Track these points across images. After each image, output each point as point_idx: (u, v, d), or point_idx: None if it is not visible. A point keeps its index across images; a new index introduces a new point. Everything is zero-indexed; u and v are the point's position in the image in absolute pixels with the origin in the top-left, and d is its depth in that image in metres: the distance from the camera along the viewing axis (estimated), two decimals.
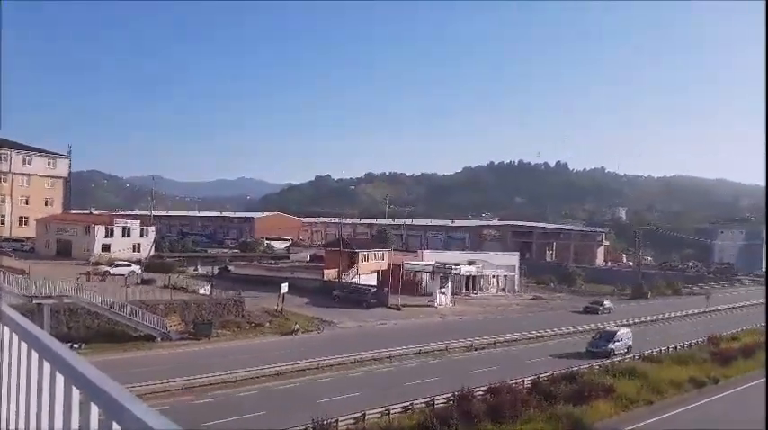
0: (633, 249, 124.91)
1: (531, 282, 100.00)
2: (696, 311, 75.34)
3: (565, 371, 37.63)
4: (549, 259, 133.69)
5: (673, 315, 71.89)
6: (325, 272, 76.10)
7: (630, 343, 50.16)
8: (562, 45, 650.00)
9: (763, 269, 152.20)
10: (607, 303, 76.52)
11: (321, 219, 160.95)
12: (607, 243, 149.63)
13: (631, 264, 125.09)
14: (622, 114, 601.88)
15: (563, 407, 31.28)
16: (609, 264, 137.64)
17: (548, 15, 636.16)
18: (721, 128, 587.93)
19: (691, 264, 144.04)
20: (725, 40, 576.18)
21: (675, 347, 50.35)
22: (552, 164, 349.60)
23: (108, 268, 64.03)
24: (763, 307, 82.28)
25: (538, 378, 36.57)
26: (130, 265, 65.95)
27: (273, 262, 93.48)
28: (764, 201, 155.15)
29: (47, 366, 2.21)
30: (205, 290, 58.12)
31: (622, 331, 51.35)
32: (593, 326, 60.29)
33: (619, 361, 44.90)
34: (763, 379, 44.23)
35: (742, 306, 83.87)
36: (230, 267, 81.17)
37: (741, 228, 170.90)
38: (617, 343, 48.76)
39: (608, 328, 53.40)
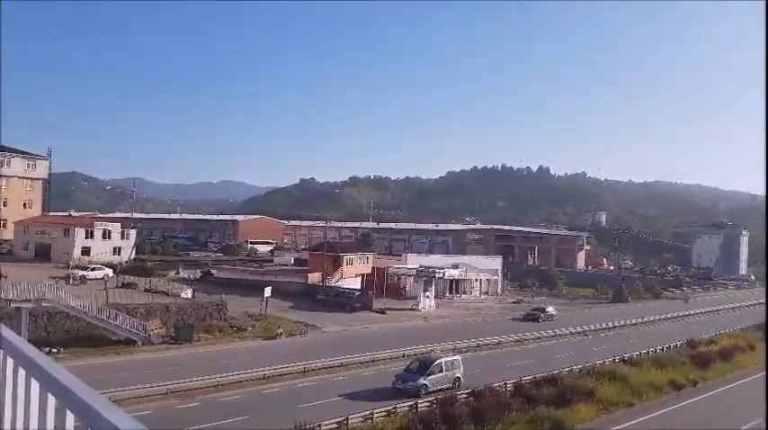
0: (614, 253, 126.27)
1: (513, 286, 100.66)
2: (673, 315, 75.94)
3: (546, 375, 37.87)
4: (531, 263, 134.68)
5: (646, 319, 71.87)
6: (309, 275, 75.91)
7: (459, 374, 37.74)
8: (550, 49, 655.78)
9: (741, 273, 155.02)
10: (550, 310, 71.75)
11: (305, 223, 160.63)
12: (588, 247, 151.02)
13: (612, 267, 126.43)
14: (605, 119, 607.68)
15: (545, 409, 31.49)
16: (590, 267, 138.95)
17: (537, 17, 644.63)
18: (704, 133, 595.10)
19: (670, 267, 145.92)
20: (715, 41, 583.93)
21: (650, 352, 50.44)
22: (534, 169, 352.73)
23: (81, 272, 62.95)
24: (736, 311, 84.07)
25: (520, 380, 36.77)
26: (103, 269, 65.09)
27: (257, 265, 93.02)
28: (765, 203, 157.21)
29: (21, 372, 2.22)
30: (187, 293, 57.67)
31: (445, 360, 38.36)
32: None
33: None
34: (740, 382, 45.11)
35: (719, 309, 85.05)
36: (213, 271, 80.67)
37: (719, 233, 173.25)
38: (432, 376, 36.13)
39: (431, 355, 40.40)
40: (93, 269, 64.53)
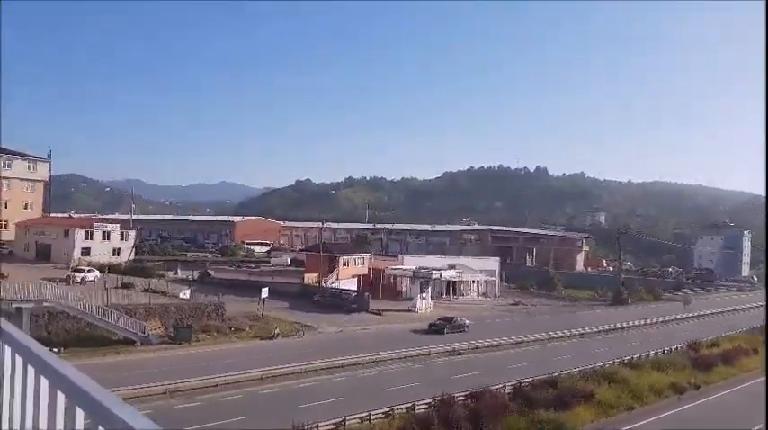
0: (613, 254, 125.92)
1: (511, 287, 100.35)
2: (672, 318, 74.79)
3: (546, 377, 37.80)
4: (529, 264, 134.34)
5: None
6: (306, 276, 75.82)
7: None
8: (547, 47, 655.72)
9: (743, 274, 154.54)
10: (460, 320, 60.62)
11: (301, 224, 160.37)
12: (587, 248, 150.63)
13: (611, 269, 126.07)
14: (603, 119, 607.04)
15: (544, 412, 31.40)
16: (589, 269, 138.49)
17: (535, 16, 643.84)
18: (704, 133, 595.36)
19: (671, 269, 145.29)
20: (713, 41, 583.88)
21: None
22: (532, 169, 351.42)
23: (78, 274, 62.14)
24: (739, 313, 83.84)
25: (519, 383, 36.71)
26: (93, 271, 64.83)
27: (254, 266, 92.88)
28: (765, 204, 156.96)
29: (31, 370, 2.19)
30: (185, 294, 57.64)
31: None
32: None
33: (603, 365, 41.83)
34: (743, 385, 44.96)
35: (721, 312, 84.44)
36: (211, 271, 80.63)
37: (720, 234, 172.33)
38: None
39: None
40: (89, 271, 64.22)
